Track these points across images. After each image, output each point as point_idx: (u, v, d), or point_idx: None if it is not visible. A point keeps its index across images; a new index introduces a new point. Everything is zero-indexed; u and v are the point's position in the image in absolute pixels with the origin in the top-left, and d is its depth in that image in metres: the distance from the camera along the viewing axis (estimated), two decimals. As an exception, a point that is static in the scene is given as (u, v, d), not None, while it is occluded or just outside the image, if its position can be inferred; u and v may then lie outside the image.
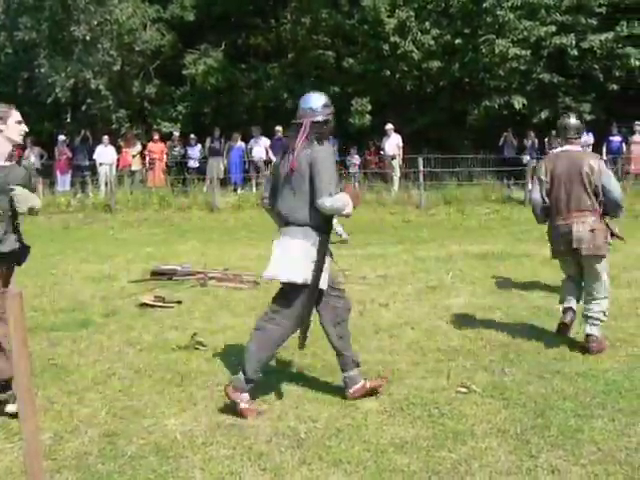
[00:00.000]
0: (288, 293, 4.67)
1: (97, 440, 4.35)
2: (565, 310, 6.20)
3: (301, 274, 4.54)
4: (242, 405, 4.61)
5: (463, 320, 6.88)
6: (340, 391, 5.00)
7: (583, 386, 5.01)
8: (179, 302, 7.93)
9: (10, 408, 4.63)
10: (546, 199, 5.94)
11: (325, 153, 4.56)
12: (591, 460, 3.91)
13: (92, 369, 5.73)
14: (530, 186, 17.31)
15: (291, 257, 4.56)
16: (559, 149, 6.12)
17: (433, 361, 5.67)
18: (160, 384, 5.32)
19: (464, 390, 4.96)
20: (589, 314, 5.85)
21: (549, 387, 5.01)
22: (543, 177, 5.95)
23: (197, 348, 6.12)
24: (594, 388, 4.96)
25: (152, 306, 7.74)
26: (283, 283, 4.70)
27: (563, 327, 6.22)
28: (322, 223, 4.62)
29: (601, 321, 5.83)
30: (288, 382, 5.26)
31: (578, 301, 6.17)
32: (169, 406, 4.87)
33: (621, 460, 3.90)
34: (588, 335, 5.77)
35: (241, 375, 4.66)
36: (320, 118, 4.66)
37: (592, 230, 5.66)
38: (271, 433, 4.37)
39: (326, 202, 4.45)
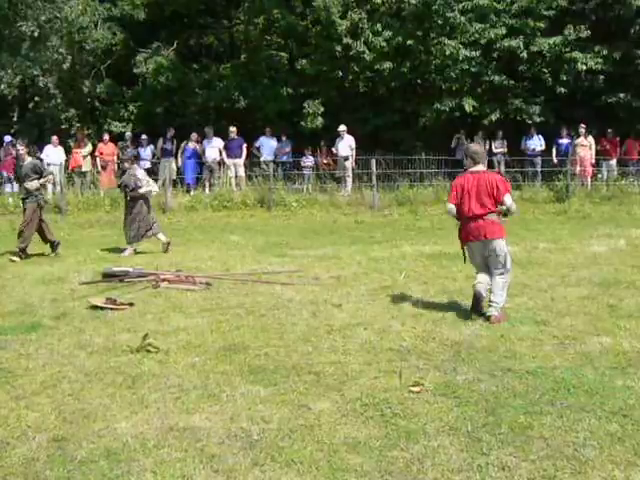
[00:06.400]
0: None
1: (46, 445, 4.28)
2: None
3: None
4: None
5: (415, 320, 6.94)
6: (293, 392, 5.01)
7: (533, 383, 5.10)
8: (131, 304, 7.83)
9: None
10: None
11: None
12: (540, 456, 3.98)
13: (41, 373, 5.62)
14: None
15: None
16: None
17: (385, 361, 5.71)
18: (111, 387, 5.25)
19: (416, 389, 5.00)
20: None
21: (500, 385, 5.08)
22: None
23: (149, 350, 6.05)
24: (543, 385, 5.05)
25: (103, 308, 7.63)
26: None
27: None
28: None
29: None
30: (240, 383, 5.24)
31: None
32: (120, 409, 4.81)
33: (569, 455, 3.98)
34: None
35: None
36: None
37: None
38: (223, 435, 4.35)
39: None
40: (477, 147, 7.73)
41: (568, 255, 10.41)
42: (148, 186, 12.02)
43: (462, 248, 7.34)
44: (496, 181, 7.02)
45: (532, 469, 3.84)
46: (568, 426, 4.35)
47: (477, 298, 7.00)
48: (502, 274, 7.01)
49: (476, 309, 7.00)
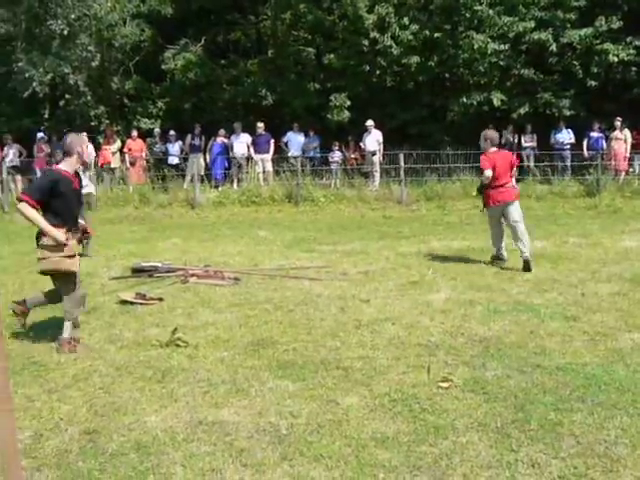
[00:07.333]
0: None
1: (77, 438, 4.33)
2: None
3: None
4: None
5: (444, 315, 6.91)
6: (321, 387, 5.02)
7: (563, 380, 5.05)
8: (160, 299, 7.89)
9: None
10: None
11: None
12: (570, 453, 3.94)
13: (72, 367, 5.70)
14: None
15: None
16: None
17: (414, 356, 5.69)
18: (141, 381, 5.30)
19: (445, 385, 4.98)
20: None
21: (529, 381, 5.04)
22: None
23: (178, 345, 6.10)
24: (574, 382, 5.00)
25: (133, 303, 7.70)
26: None
27: None
28: None
29: None
30: (269, 378, 5.26)
31: None
32: (150, 403, 4.86)
33: (600, 453, 3.94)
34: None
35: None
36: None
37: None
38: (252, 429, 4.37)
39: None
40: (493, 132, 9.76)
41: (599, 250, 10.29)
42: (90, 186, 11.81)
43: (483, 207, 9.54)
44: (511, 156, 9.64)
45: (562, 467, 3.81)
46: (599, 423, 4.31)
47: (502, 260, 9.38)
48: (519, 222, 9.15)
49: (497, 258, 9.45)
